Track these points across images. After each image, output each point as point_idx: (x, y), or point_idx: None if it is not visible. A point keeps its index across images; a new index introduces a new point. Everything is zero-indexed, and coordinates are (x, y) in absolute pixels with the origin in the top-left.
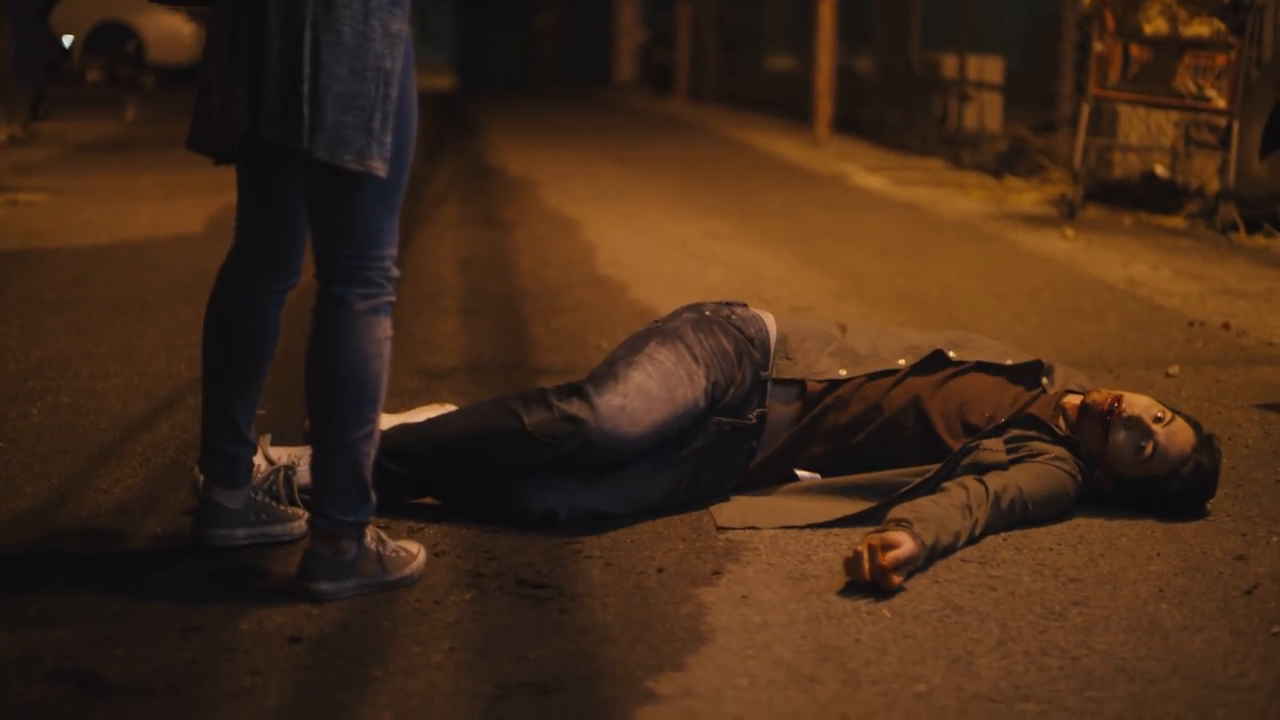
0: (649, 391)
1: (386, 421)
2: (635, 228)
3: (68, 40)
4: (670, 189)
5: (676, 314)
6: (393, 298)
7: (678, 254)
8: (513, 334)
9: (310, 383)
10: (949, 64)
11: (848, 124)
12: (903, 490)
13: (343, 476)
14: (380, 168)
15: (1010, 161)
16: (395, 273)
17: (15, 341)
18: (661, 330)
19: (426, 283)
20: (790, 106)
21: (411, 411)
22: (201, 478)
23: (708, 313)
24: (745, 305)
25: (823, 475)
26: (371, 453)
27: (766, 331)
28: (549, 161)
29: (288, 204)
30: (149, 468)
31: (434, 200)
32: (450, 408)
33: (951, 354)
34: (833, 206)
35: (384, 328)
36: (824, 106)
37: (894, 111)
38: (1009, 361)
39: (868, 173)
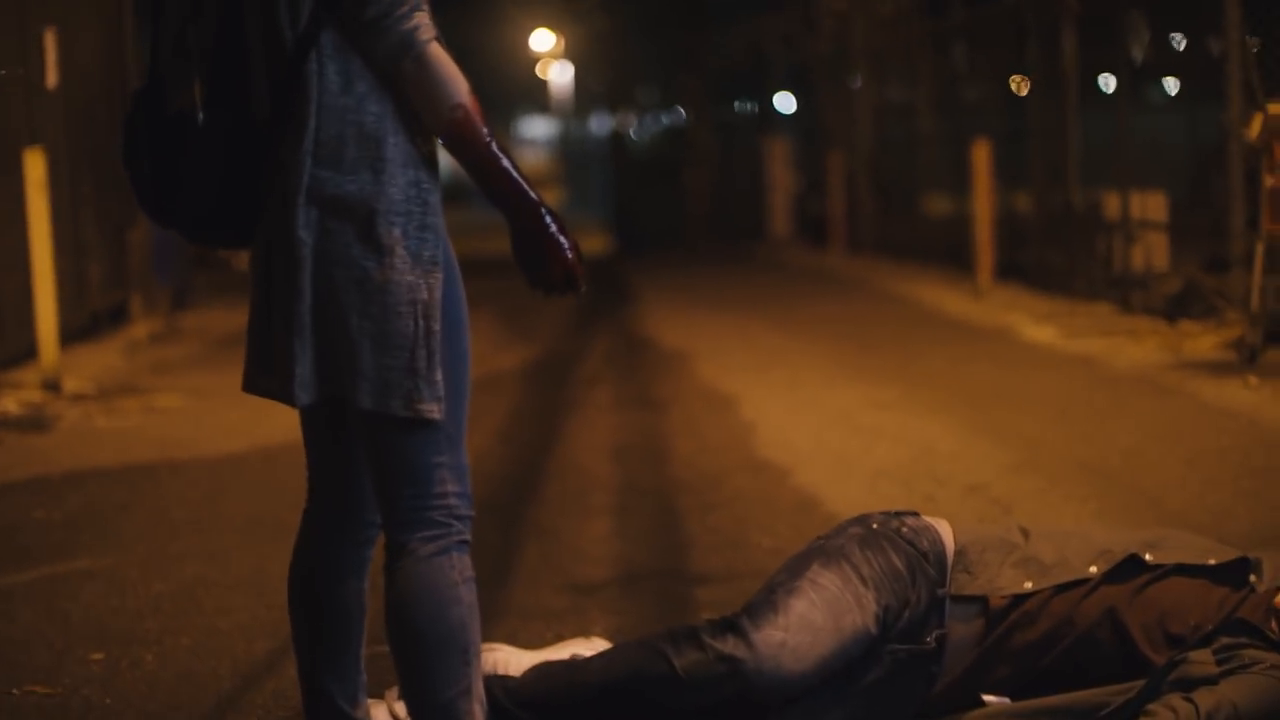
0: (813, 622)
1: (526, 659)
2: (795, 400)
3: None
4: (830, 353)
5: (841, 529)
6: (465, 536)
7: (842, 429)
8: (668, 534)
9: (391, 641)
10: (1111, 202)
11: (1009, 269)
12: (1103, 714)
13: None
14: (433, 410)
15: (1184, 304)
16: (464, 510)
17: (138, 571)
18: (824, 550)
19: (575, 478)
20: (950, 253)
21: (554, 647)
22: None
23: (875, 526)
24: (917, 514)
25: (1012, 699)
26: (476, 710)
27: (942, 543)
28: (704, 329)
29: (350, 446)
30: None
31: (585, 381)
32: (597, 642)
33: (1148, 557)
34: (1001, 365)
35: (458, 569)
36: (985, 256)
37: (1056, 254)
38: (1211, 561)
39: (1034, 323)
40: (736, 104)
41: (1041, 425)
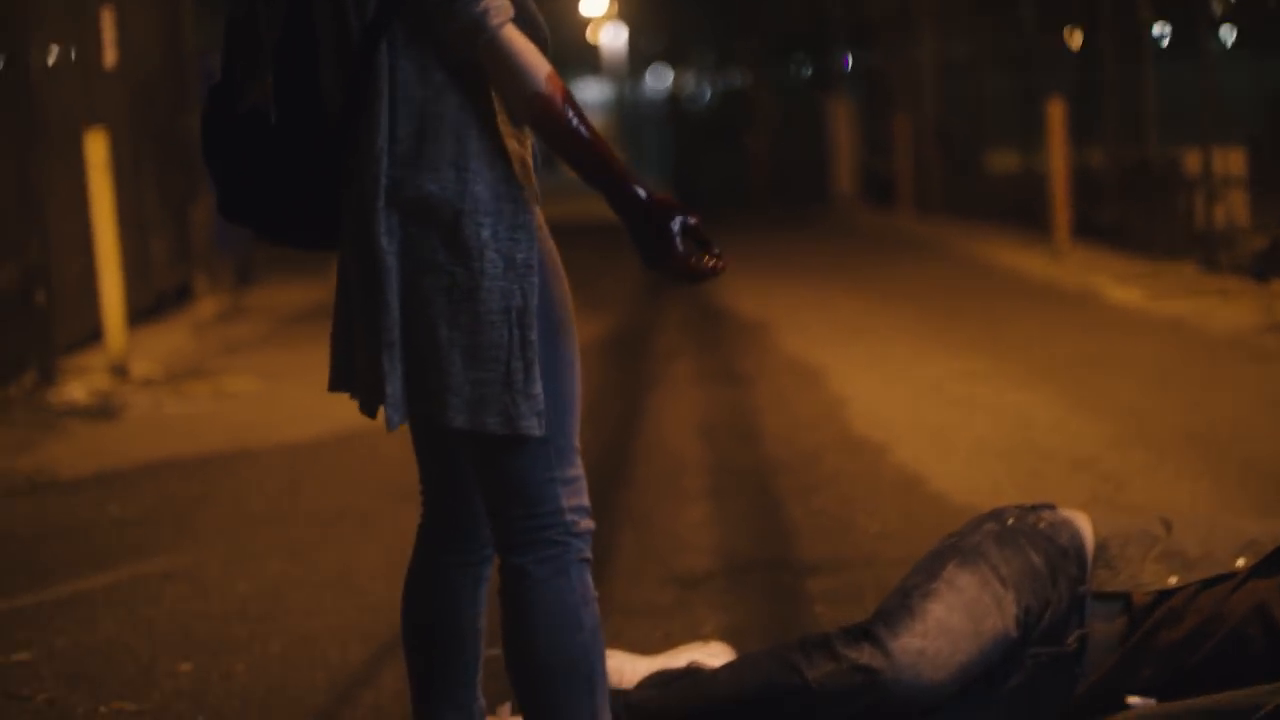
0: (952, 627)
1: (641, 667)
2: (884, 373)
3: None
4: (913, 322)
5: (975, 525)
6: (585, 554)
7: (936, 401)
8: (769, 519)
9: (510, 671)
10: (1191, 158)
11: (1084, 226)
12: (1257, 716)
13: None
14: (532, 426)
15: (1273, 261)
16: (584, 525)
17: (220, 570)
18: (959, 549)
19: (663, 459)
20: (1019, 210)
21: (669, 654)
22: None
23: (1011, 521)
24: (1053, 507)
25: (1158, 700)
26: None
27: (1081, 538)
28: (780, 296)
29: (456, 459)
30: None
31: (665, 355)
32: (715, 647)
33: None
34: (1091, 330)
35: (579, 591)
36: (1061, 215)
37: (1133, 212)
38: None
39: (1118, 285)
40: (795, 64)
41: (1141, 394)
